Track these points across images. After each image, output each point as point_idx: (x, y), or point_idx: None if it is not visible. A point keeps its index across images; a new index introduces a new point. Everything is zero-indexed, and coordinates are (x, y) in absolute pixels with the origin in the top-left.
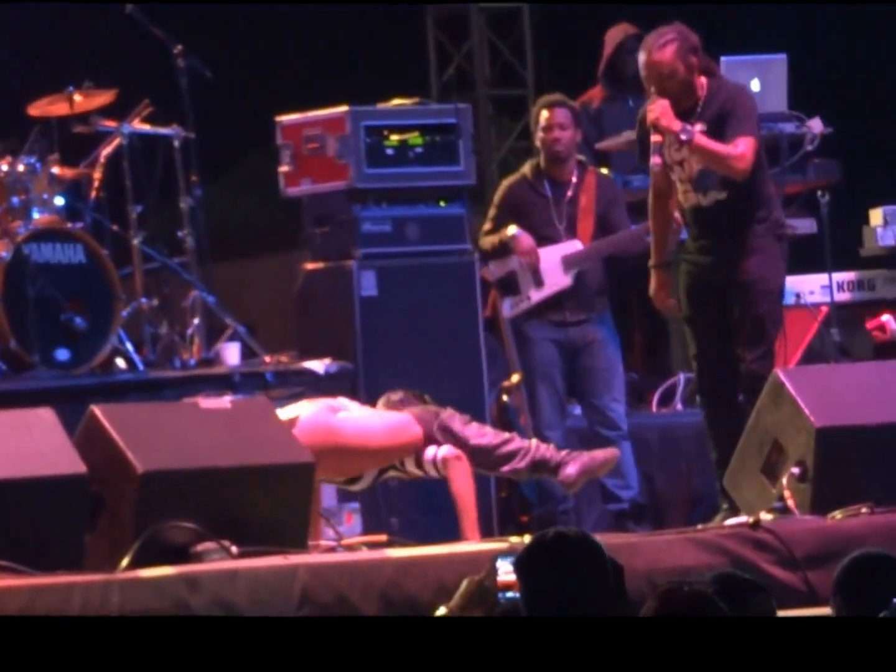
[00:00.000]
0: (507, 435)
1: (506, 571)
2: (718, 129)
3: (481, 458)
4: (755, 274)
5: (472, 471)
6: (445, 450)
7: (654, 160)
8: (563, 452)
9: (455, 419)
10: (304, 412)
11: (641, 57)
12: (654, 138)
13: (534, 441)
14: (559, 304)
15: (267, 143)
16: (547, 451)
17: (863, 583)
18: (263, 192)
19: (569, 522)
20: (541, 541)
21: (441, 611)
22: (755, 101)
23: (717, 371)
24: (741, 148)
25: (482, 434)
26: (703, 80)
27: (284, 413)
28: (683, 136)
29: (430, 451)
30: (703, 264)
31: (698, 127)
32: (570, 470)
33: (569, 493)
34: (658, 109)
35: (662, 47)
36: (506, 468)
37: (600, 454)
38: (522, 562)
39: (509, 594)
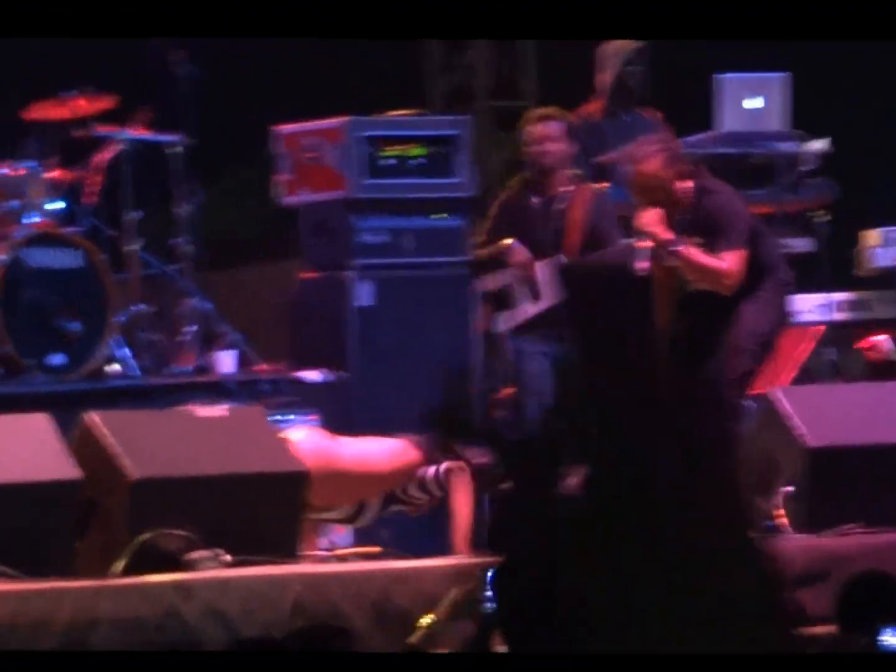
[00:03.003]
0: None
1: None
2: (705, 236)
3: (483, 476)
4: (750, 311)
5: (473, 486)
6: (447, 463)
7: (642, 265)
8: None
9: (454, 442)
10: (301, 438)
11: (628, 168)
12: (643, 244)
13: None
14: (553, 319)
15: (263, 152)
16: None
17: (863, 602)
18: (259, 201)
19: None
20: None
21: (427, 619)
22: (742, 205)
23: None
24: (728, 264)
25: (482, 453)
26: (689, 184)
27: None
28: (672, 248)
29: (431, 470)
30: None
31: (690, 242)
32: (572, 479)
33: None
34: (648, 217)
35: (648, 158)
36: (507, 485)
37: None
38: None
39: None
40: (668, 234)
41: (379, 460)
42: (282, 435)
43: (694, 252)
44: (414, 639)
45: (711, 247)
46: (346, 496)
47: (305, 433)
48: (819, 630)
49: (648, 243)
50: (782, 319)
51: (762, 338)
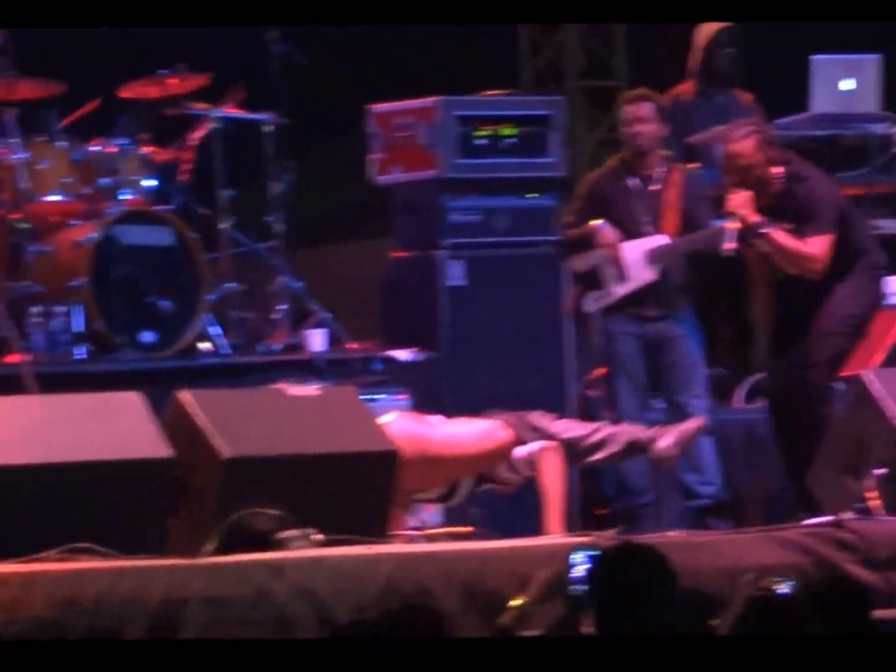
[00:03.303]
0: (595, 424)
1: (580, 565)
2: (795, 222)
3: (574, 449)
4: (842, 293)
5: (565, 465)
6: (538, 443)
7: (730, 246)
8: (653, 429)
9: (542, 417)
10: (391, 421)
11: (721, 150)
12: (732, 225)
13: (623, 425)
14: (641, 300)
15: (356, 130)
16: (637, 430)
17: None
18: (351, 179)
19: (648, 516)
20: (609, 557)
21: (517, 600)
22: (832, 190)
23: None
24: (816, 248)
25: (571, 427)
26: (779, 170)
27: None
28: (760, 231)
29: (522, 450)
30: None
31: (779, 227)
32: (665, 442)
33: (665, 466)
34: (738, 199)
35: (742, 139)
36: (600, 455)
37: (690, 424)
38: (592, 575)
39: (582, 587)
40: (756, 217)
41: (469, 443)
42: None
43: (782, 236)
44: (504, 620)
45: (800, 232)
46: (436, 479)
47: (396, 417)
48: None
49: (737, 225)
50: (874, 302)
51: (853, 320)
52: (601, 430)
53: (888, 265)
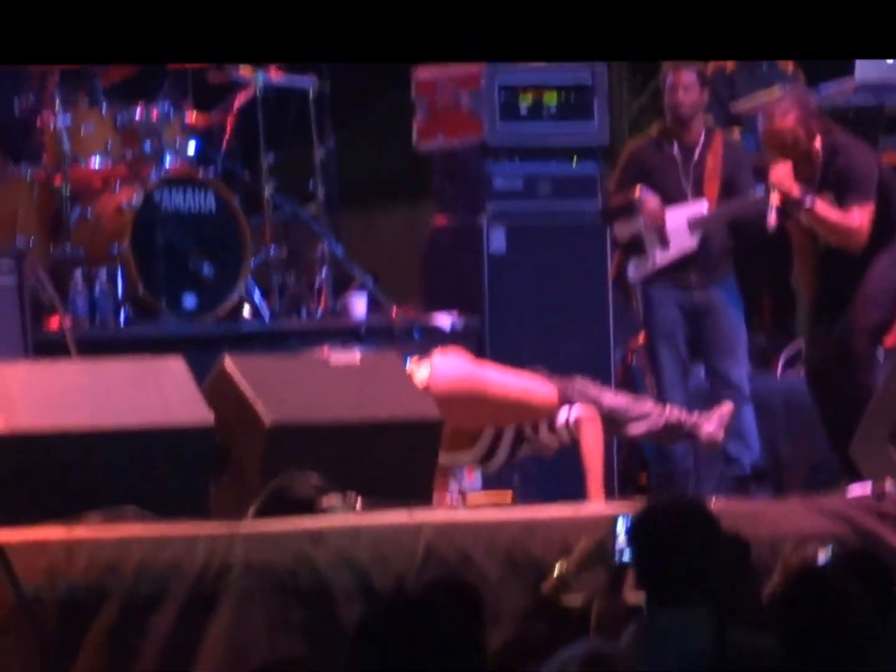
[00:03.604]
0: (639, 398)
1: (625, 532)
2: (836, 193)
3: (615, 418)
4: (881, 265)
5: (605, 433)
6: (578, 410)
7: (772, 219)
8: (695, 414)
9: (588, 384)
10: (445, 358)
11: (762, 123)
12: (775, 199)
13: (668, 405)
14: (684, 267)
15: (399, 93)
16: (680, 413)
17: None
18: (393, 144)
19: (688, 484)
20: (653, 508)
21: (560, 567)
22: (873, 161)
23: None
24: (858, 220)
25: (615, 397)
26: (820, 141)
27: (420, 368)
28: (805, 204)
29: (563, 414)
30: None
31: (820, 199)
32: (710, 427)
33: (714, 449)
34: (780, 173)
35: (784, 115)
36: (640, 430)
37: (727, 407)
38: (634, 527)
39: (628, 555)
40: (798, 191)
41: (519, 388)
42: (424, 365)
43: (824, 208)
44: (546, 587)
45: (841, 203)
46: (484, 418)
47: (450, 355)
48: None
49: (779, 199)
50: None
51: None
52: (645, 403)
53: None
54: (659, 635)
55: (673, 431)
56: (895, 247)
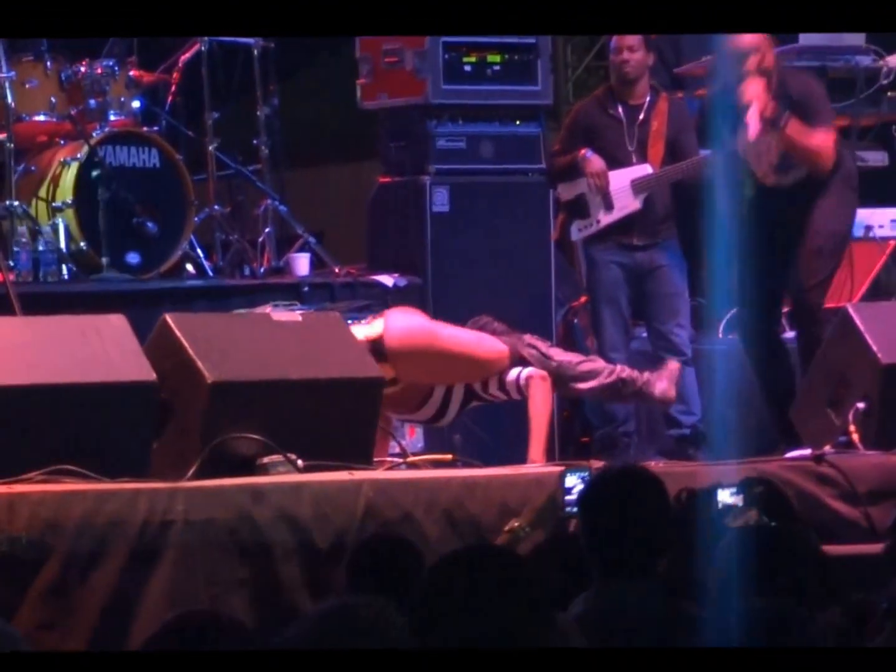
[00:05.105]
0: (590, 356)
1: (575, 487)
2: (799, 117)
3: (565, 374)
4: (825, 209)
5: (554, 393)
6: (530, 370)
7: (754, 133)
8: (645, 374)
9: (537, 340)
10: (400, 314)
11: (728, 44)
12: (754, 112)
13: (618, 364)
14: (627, 228)
15: (344, 51)
16: (631, 371)
17: None
18: (337, 103)
19: (630, 445)
20: (604, 478)
21: (511, 524)
22: (824, 87)
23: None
24: (825, 142)
25: (566, 353)
26: (776, 69)
27: (374, 324)
28: (781, 121)
29: (514, 372)
30: (775, 208)
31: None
32: (663, 384)
33: (668, 407)
34: (756, 87)
35: (747, 37)
36: (591, 384)
37: (673, 366)
38: (586, 497)
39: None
40: (774, 106)
41: (473, 344)
42: (375, 322)
43: (797, 127)
44: (499, 541)
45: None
46: (440, 375)
47: (404, 311)
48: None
49: (759, 109)
50: (853, 214)
51: (838, 237)
52: (595, 360)
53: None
54: (608, 606)
55: (623, 389)
56: (831, 190)
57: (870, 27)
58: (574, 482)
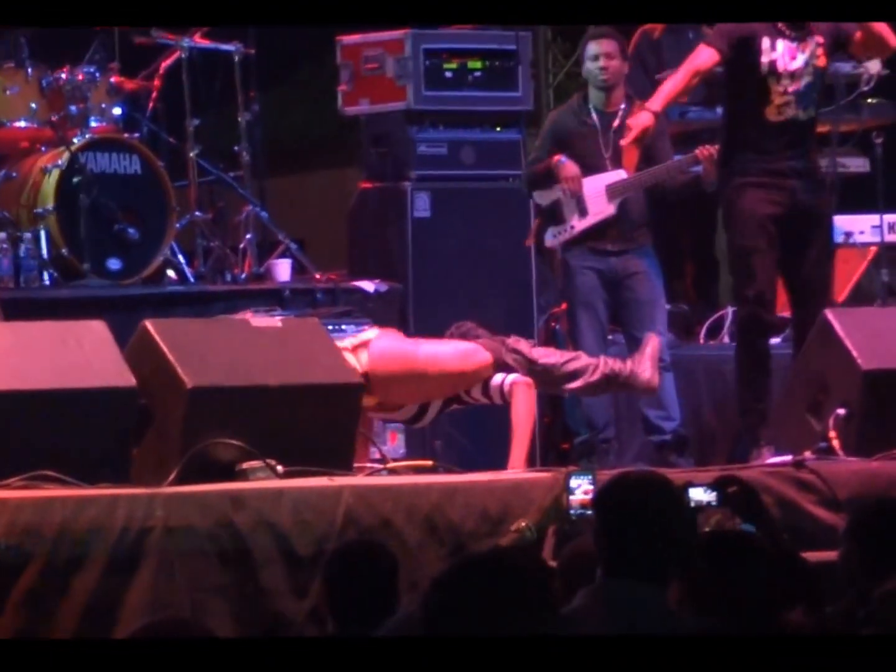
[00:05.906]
0: (574, 353)
1: (580, 489)
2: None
3: (551, 375)
4: (828, 207)
5: (542, 390)
6: (515, 376)
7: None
8: (628, 363)
9: (521, 342)
10: (375, 337)
11: None
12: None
13: (602, 357)
14: (602, 234)
15: (325, 58)
16: (615, 363)
17: (881, 528)
18: (319, 109)
19: (610, 451)
20: (620, 481)
21: (518, 524)
22: None
23: (769, 310)
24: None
25: (549, 354)
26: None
27: (354, 339)
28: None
29: (498, 378)
30: (794, 188)
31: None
32: (647, 373)
33: (654, 395)
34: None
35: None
36: (577, 383)
37: (653, 343)
38: (600, 497)
39: (581, 511)
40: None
41: (452, 360)
42: (353, 338)
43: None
44: (505, 542)
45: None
46: (418, 395)
47: (380, 332)
48: None
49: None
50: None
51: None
52: (579, 358)
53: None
54: (610, 604)
55: (609, 385)
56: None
57: (868, 19)
58: (579, 484)
